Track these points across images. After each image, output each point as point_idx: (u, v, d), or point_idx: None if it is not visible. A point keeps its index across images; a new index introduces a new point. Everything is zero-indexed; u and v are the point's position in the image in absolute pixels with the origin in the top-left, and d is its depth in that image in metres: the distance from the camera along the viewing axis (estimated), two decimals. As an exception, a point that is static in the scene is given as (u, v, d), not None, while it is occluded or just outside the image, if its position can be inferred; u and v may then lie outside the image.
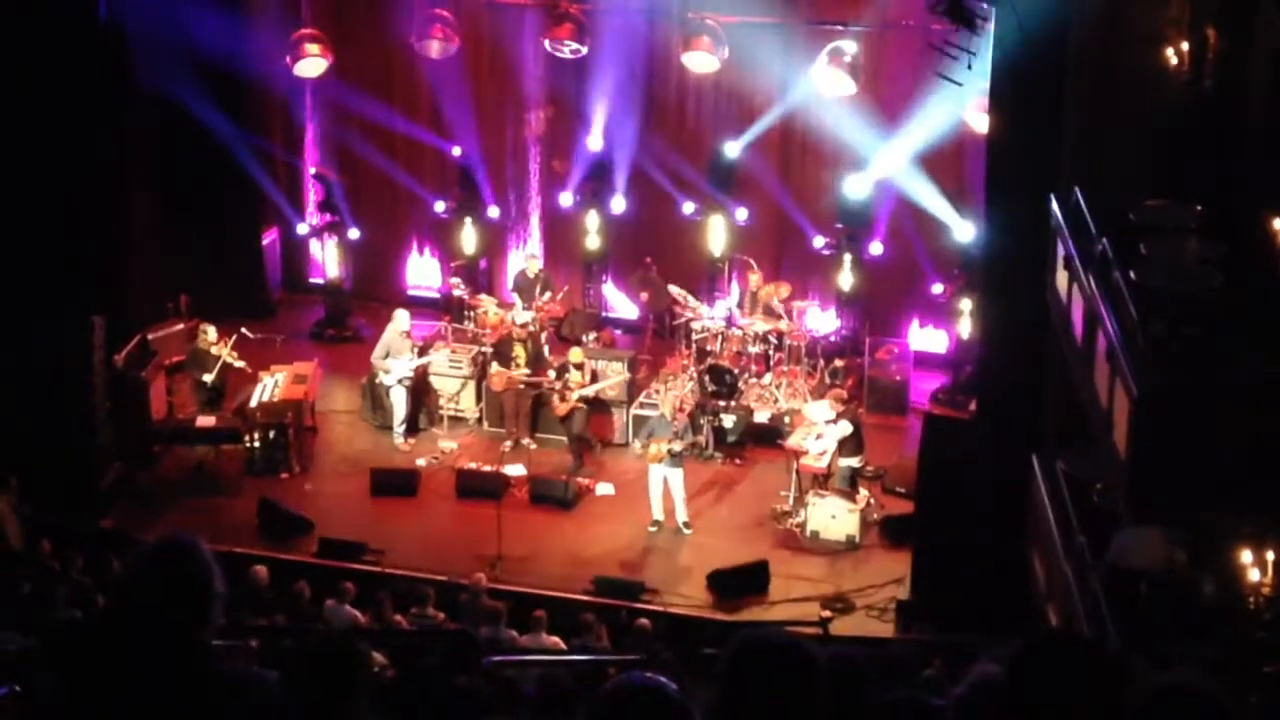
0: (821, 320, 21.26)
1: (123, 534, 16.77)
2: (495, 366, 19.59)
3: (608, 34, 21.12)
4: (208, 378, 18.87)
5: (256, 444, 18.64)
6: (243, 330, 19.72)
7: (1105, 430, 11.93)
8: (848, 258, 21.00)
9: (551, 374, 19.36)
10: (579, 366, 18.91)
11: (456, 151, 22.27)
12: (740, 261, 21.37)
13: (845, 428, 17.58)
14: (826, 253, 21.19)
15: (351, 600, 14.98)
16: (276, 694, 4.99)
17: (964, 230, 19.90)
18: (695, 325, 20.54)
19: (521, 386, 19.37)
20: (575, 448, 18.85)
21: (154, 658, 3.82)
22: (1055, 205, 14.10)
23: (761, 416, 19.61)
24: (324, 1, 22.25)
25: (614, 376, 19.48)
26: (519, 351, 19.47)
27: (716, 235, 21.69)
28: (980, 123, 18.06)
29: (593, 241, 22.43)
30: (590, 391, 18.88)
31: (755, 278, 20.72)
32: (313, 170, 22.78)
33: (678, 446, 17.39)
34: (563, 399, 18.70)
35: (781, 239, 21.92)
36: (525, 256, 21.68)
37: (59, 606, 12.93)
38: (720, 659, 4.00)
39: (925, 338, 21.26)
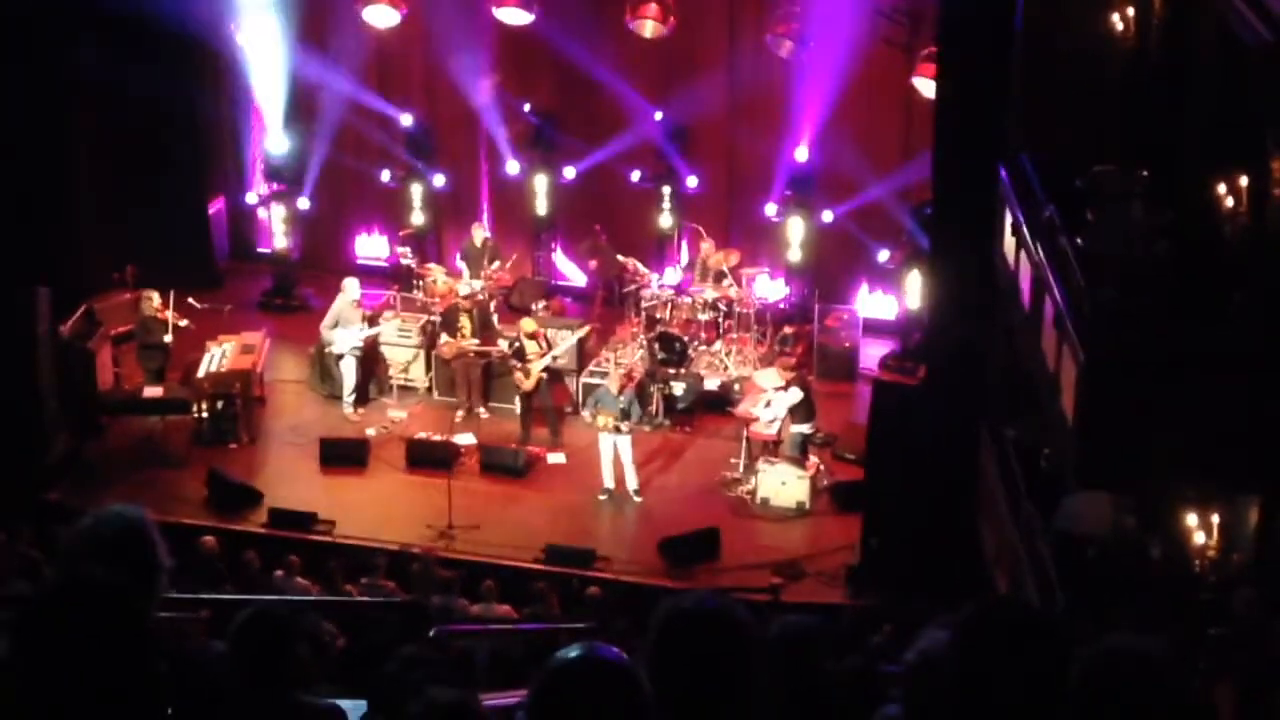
0: (771, 288, 21.27)
1: (70, 506, 16.65)
2: (444, 337, 19.54)
3: (556, 1, 21.03)
4: (167, 338, 18.74)
5: (204, 415, 18.53)
6: (189, 300, 19.60)
7: (1052, 397, 11.99)
8: (797, 225, 21.03)
9: (503, 344, 19.27)
10: (533, 336, 18.81)
11: (406, 120, 22.16)
12: (690, 229, 21.37)
13: (795, 395, 17.61)
14: (776, 220, 21.22)
15: (299, 572, 14.92)
16: (223, 666, 4.97)
17: (908, 197, 19.95)
18: (645, 293, 20.54)
19: (471, 355, 19.32)
20: (549, 419, 18.78)
21: (99, 630, 3.79)
22: (1003, 172, 14.15)
23: (711, 384, 19.63)
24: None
25: (568, 338, 19.44)
26: (465, 321, 19.40)
27: (666, 203, 21.68)
28: (927, 89, 18.09)
29: (541, 209, 22.37)
30: (549, 359, 18.78)
31: (706, 245, 20.72)
32: (265, 142, 22.57)
33: (625, 426, 17.39)
34: (526, 375, 18.60)
35: (731, 206, 21.93)
36: (474, 225, 21.60)
37: (6, 578, 12.84)
38: (647, 629, 3.99)
39: (874, 305, 21.32)
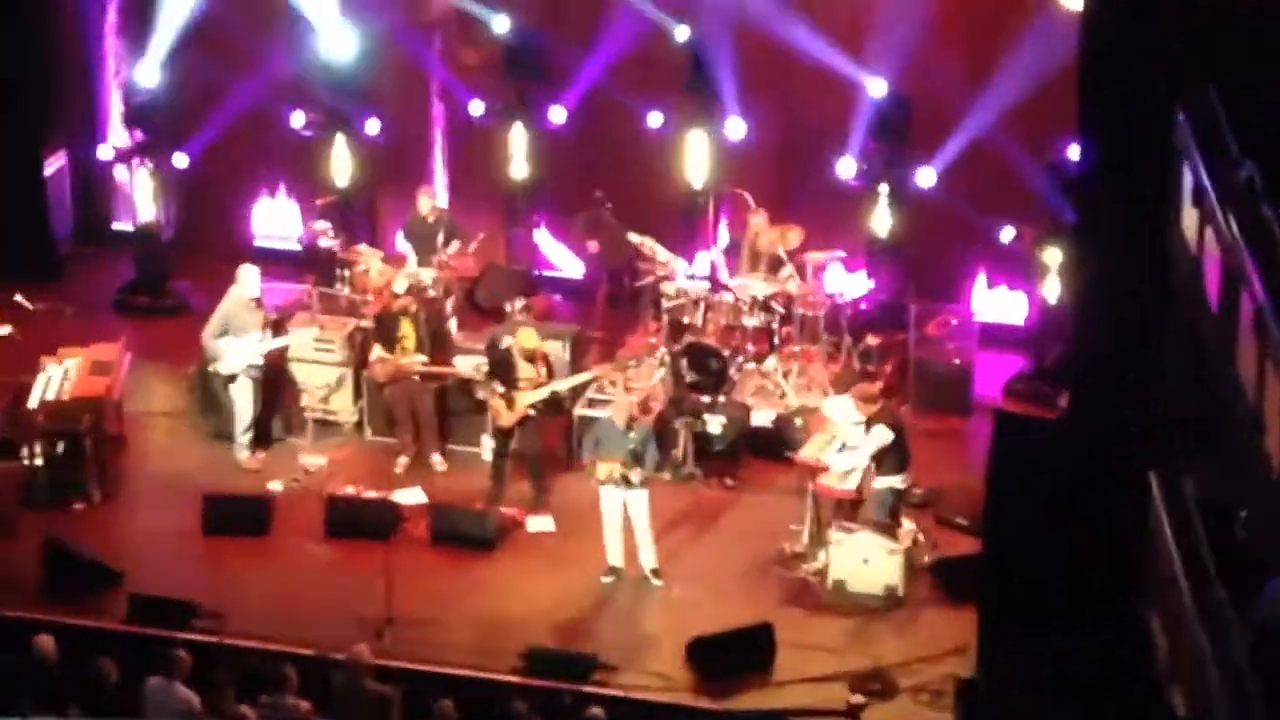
0: (848, 280, 21.28)
1: None
2: (377, 350, 19.53)
3: None
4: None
5: (39, 461, 18.55)
6: (17, 297, 19.62)
7: (1253, 434, 11.96)
8: (885, 191, 21.04)
9: (463, 364, 19.22)
10: (531, 357, 18.75)
11: (332, 47, 22.06)
12: (733, 197, 21.37)
13: (882, 434, 17.58)
14: (855, 184, 21.22)
15: (186, 678, 14.93)
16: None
17: (1043, 151, 19.98)
18: (667, 288, 20.56)
19: (416, 378, 19.31)
20: (533, 468, 18.81)
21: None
22: (1181, 115, 14.13)
23: (762, 418, 19.64)
24: None
25: (576, 376, 19.38)
26: (406, 329, 19.36)
27: (698, 158, 21.69)
28: (1075, 1, 18.12)
29: (519, 168, 22.38)
30: (546, 393, 18.72)
31: (756, 220, 20.71)
32: (128, 73, 22.62)
33: (636, 476, 17.35)
34: (509, 404, 18.60)
35: (791, 164, 21.93)
36: (421, 190, 21.59)
37: None
38: None
39: (995, 304, 21.33)
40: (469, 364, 19.43)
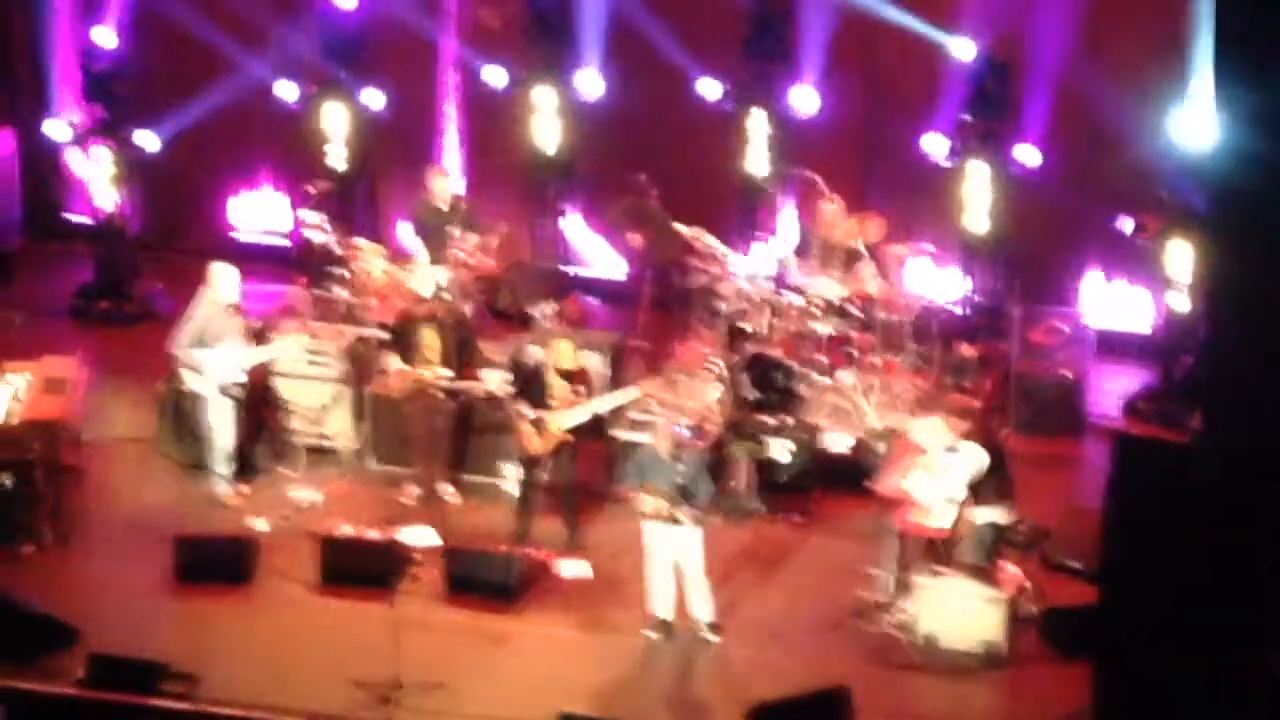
0: (938, 279, 21.21)
1: None
2: (395, 361, 19.47)
3: None
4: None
5: (-20, 496, 18.62)
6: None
7: None
8: (981, 173, 20.97)
9: (490, 377, 19.18)
10: (569, 374, 18.72)
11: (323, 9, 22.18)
12: (801, 181, 21.32)
13: (977, 458, 17.49)
14: (948, 165, 21.16)
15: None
16: None
17: (1177, 124, 19.87)
18: (723, 289, 20.53)
19: (441, 395, 19.27)
20: (567, 503, 18.82)
21: None
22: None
23: (837, 442, 19.61)
24: None
25: (618, 393, 19.26)
26: (430, 338, 19.34)
27: (760, 135, 21.65)
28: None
29: (547, 147, 22.36)
30: (584, 414, 18.60)
31: (829, 208, 20.66)
32: (86, 38, 22.67)
33: (687, 513, 17.26)
34: (540, 429, 18.57)
35: (870, 142, 21.91)
36: (432, 174, 21.57)
37: None
38: None
39: (1113, 307, 21.25)
40: (494, 379, 19.31)
